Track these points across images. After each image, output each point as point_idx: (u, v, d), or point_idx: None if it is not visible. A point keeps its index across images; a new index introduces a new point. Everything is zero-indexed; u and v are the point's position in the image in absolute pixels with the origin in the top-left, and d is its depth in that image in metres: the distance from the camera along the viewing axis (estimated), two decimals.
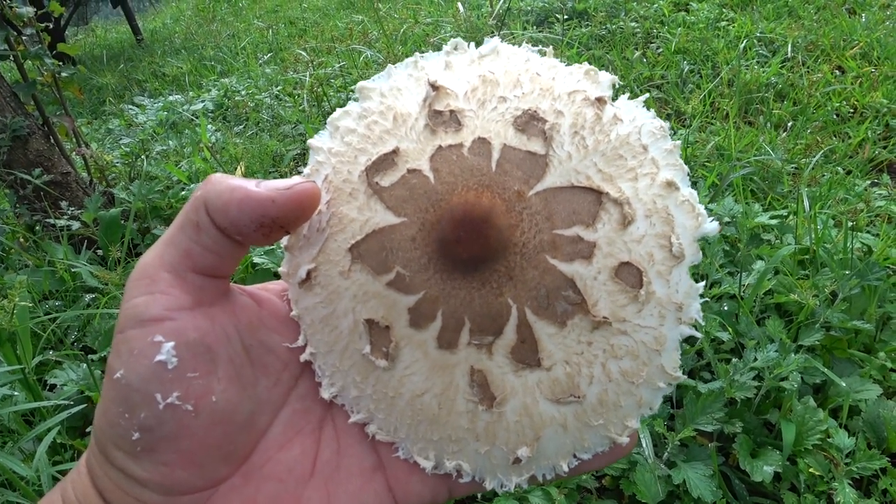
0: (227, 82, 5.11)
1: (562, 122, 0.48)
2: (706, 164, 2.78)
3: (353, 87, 4.03)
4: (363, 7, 7.01)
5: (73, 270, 2.25)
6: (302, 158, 3.26)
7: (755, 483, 1.44)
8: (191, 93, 5.09)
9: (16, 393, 1.64)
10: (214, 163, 2.94)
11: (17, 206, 2.62)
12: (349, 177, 0.50)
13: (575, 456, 0.51)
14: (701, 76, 3.77)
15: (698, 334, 0.50)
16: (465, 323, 0.47)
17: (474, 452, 0.50)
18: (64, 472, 1.49)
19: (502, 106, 0.49)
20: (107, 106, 5.54)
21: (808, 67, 3.73)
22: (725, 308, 1.82)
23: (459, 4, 4.63)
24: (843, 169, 2.77)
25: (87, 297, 2.17)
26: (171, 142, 3.73)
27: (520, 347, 0.47)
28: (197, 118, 4.02)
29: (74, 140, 2.91)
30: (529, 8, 4.98)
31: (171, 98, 4.94)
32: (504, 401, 0.48)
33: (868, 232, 2.26)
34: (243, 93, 4.69)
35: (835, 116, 3.22)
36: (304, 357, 0.54)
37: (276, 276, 2.10)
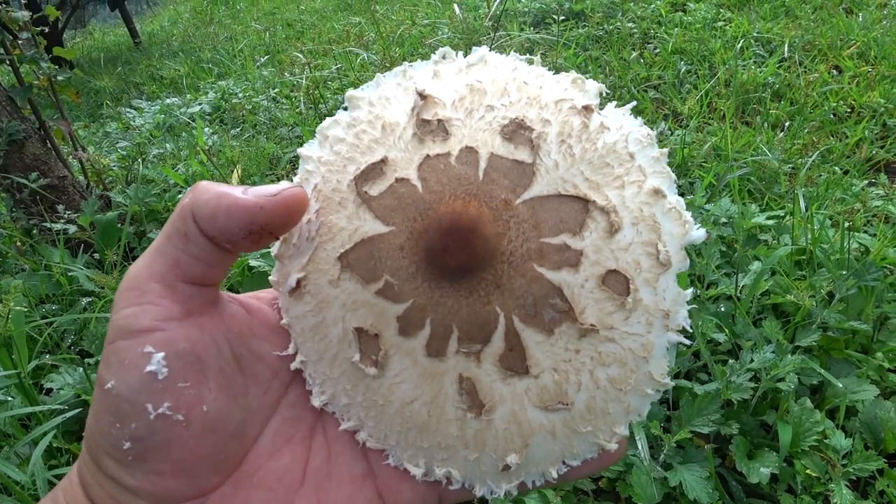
0: (224, 85, 5.10)
1: (549, 130, 0.49)
2: (703, 164, 2.78)
3: (349, 90, 4.04)
4: (360, 9, 7.01)
5: (69, 274, 2.25)
6: (299, 161, 3.26)
7: (752, 485, 1.43)
8: (188, 95, 5.09)
9: (11, 398, 1.64)
10: (211, 166, 2.94)
11: (14, 210, 2.62)
12: (338, 186, 0.50)
13: (564, 462, 0.51)
14: (698, 76, 3.77)
15: (686, 341, 0.50)
16: (454, 331, 0.47)
17: (464, 459, 0.50)
18: (60, 477, 1.48)
19: (490, 115, 0.50)
20: (104, 109, 5.54)
21: (805, 67, 3.73)
22: (722, 309, 1.82)
23: (456, 6, 4.63)
24: (841, 169, 2.77)
25: (84, 300, 2.17)
26: (167, 145, 3.73)
27: (508, 355, 0.47)
28: (194, 121, 4.02)
29: (71, 144, 2.90)
30: (526, 9, 4.98)
31: (168, 101, 4.94)
32: (493, 408, 0.48)
33: (865, 232, 2.26)
34: (240, 95, 4.68)
35: (832, 116, 3.22)
36: (294, 365, 0.54)
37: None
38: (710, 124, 3.24)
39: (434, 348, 0.48)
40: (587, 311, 0.47)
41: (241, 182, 2.90)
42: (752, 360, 1.54)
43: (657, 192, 0.49)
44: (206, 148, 3.12)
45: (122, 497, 0.46)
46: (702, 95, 3.44)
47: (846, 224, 2.05)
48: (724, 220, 2.16)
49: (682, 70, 3.81)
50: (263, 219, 0.46)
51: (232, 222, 0.46)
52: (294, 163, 3.29)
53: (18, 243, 2.58)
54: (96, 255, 2.51)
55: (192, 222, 0.46)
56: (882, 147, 2.94)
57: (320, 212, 0.50)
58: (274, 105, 4.27)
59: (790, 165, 2.76)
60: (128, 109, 5.04)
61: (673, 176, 0.51)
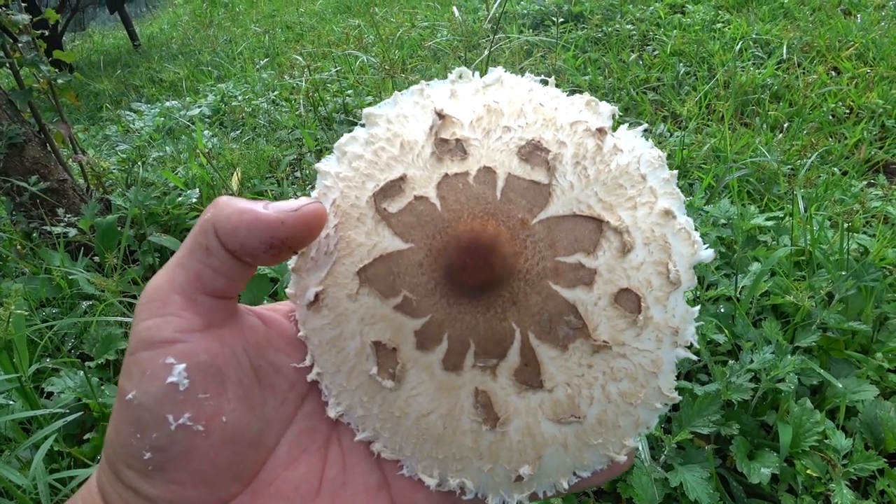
0: (223, 87, 5.11)
1: (564, 152, 0.50)
2: (702, 165, 2.79)
3: (348, 92, 4.05)
4: (359, 11, 7.03)
5: (69, 277, 2.25)
6: (298, 164, 3.26)
7: (752, 485, 1.43)
8: (188, 98, 5.09)
9: (12, 402, 1.64)
10: (210, 169, 2.94)
11: (14, 213, 2.62)
12: (357, 202, 0.51)
13: (574, 473, 0.52)
14: (697, 78, 3.78)
15: (693, 357, 0.52)
16: (471, 346, 0.48)
17: (478, 470, 0.52)
18: (61, 481, 1.49)
19: (507, 136, 0.51)
20: (104, 112, 5.54)
21: (803, 69, 3.73)
22: (722, 310, 1.82)
23: (455, 8, 4.64)
24: (839, 170, 2.78)
25: (84, 304, 2.17)
26: (167, 148, 3.73)
27: (523, 370, 0.49)
28: (193, 124, 4.02)
29: (71, 147, 2.90)
30: (525, 11, 4.99)
31: (167, 104, 4.94)
32: (507, 421, 0.49)
33: (864, 233, 2.26)
34: (240, 98, 4.69)
35: (830, 117, 3.22)
36: (310, 377, 0.55)
37: (274, 281, 2.10)
38: (708, 126, 3.25)
39: (451, 362, 0.49)
40: (600, 327, 0.48)
41: (241, 184, 2.90)
42: (752, 361, 1.54)
43: (668, 213, 0.50)
44: (206, 151, 3.12)
45: None
46: (701, 97, 3.45)
47: (845, 225, 2.05)
48: (723, 221, 2.16)
49: (681, 72, 3.82)
50: (284, 233, 0.47)
51: (253, 237, 0.47)
52: (293, 165, 3.29)
53: (19, 247, 2.58)
54: (96, 259, 2.51)
55: (213, 236, 0.47)
56: (881, 148, 2.94)
57: (339, 227, 0.52)
58: (273, 108, 4.27)
59: (789, 166, 2.76)
60: (127, 112, 5.04)
61: (682, 197, 0.52)
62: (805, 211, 2.22)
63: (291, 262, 0.55)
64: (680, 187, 2.60)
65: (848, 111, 3.28)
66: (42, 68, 2.67)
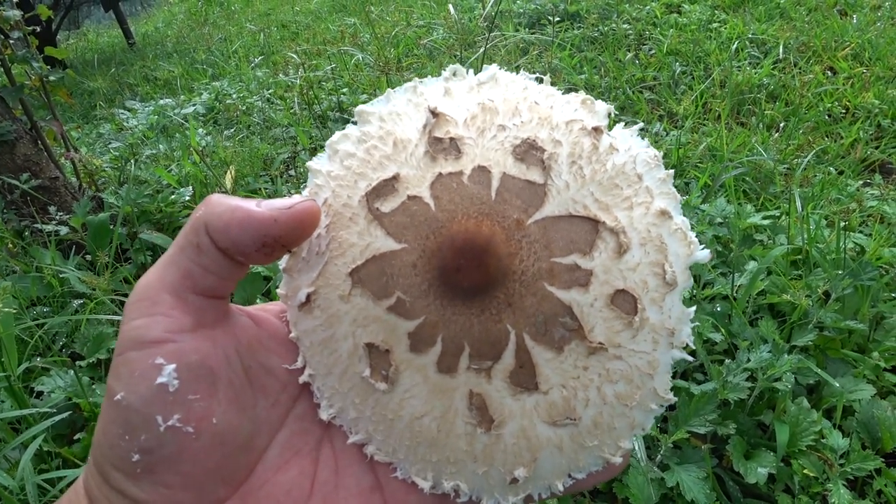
0: (218, 86, 5.09)
1: (560, 151, 0.49)
2: (698, 164, 2.78)
3: (343, 90, 4.03)
4: (355, 10, 7.01)
5: (61, 276, 2.23)
6: (292, 162, 3.25)
7: (749, 485, 1.43)
8: (182, 96, 5.07)
9: (1, 401, 1.62)
10: (204, 167, 2.92)
11: (5, 211, 2.60)
12: (349, 201, 0.51)
13: (570, 475, 0.52)
14: (693, 77, 3.77)
15: (689, 358, 0.51)
16: (465, 348, 0.48)
17: (472, 473, 0.51)
18: (50, 481, 1.47)
19: (501, 134, 0.50)
20: (97, 110, 5.51)
21: (799, 68, 3.74)
22: (718, 309, 1.82)
23: (451, 7, 4.63)
24: (836, 169, 2.77)
25: (75, 302, 2.15)
26: (161, 146, 3.71)
27: (518, 372, 0.48)
28: (187, 122, 4.00)
29: (63, 144, 2.88)
30: (521, 10, 4.98)
31: (162, 102, 4.92)
32: (502, 423, 0.49)
33: (860, 232, 2.26)
34: (234, 96, 4.67)
35: (827, 117, 3.22)
36: (302, 379, 0.54)
37: (266, 279, 2.09)
38: (705, 125, 3.25)
39: (445, 364, 0.48)
40: (596, 329, 0.48)
41: (235, 182, 2.89)
42: (748, 360, 1.53)
43: (664, 214, 0.50)
44: (200, 149, 3.10)
45: None
46: (697, 96, 3.45)
47: (842, 224, 2.05)
48: (719, 220, 2.16)
49: (678, 71, 3.81)
50: (277, 231, 0.47)
51: (245, 235, 0.46)
52: (287, 163, 3.28)
53: (10, 245, 2.56)
54: (88, 257, 2.49)
55: (205, 234, 0.47)
56: (877, 148, 2.94)
57: (330, 226, 0.51)
58: (268, 106, 4.26)
59: (785, 166, 2.76)
60: (121, 110, 5.01)
61: (678, 197, 0.52)
62: (801, 210, 2.21)
63: (283, 263, 0.53)
64: (676, 186, 2.59)
65: (844, 111, 3.28)
66: (34, 65, 2.65)
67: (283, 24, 7.52)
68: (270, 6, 8.94)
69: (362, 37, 5.37)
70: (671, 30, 4.39)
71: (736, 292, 1.88)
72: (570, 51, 4.24)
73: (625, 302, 0.48)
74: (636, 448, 1.41)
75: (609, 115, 0.54)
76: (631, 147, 0.52)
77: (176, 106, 4.73)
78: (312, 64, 4.63)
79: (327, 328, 0.52)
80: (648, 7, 4.86)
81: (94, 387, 1.74)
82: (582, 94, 0.54)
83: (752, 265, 1.92)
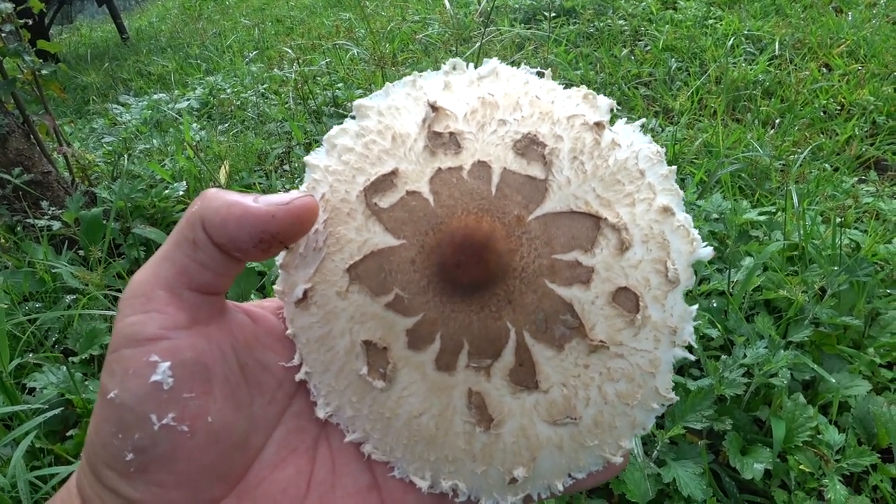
0: (212, 80, 5.06)
1: (561, 146, 0.49)
2: (694, 160, 2.78)
3: (339, 85, 4.01)
4: (350, 5, 6.99)
5: (53, 271, 2.21)
6: (287, 157, 3.23)
7: (745, 480, 1.42)
8: (176, 91, 5.05)
9: None
10: (198, 161, 2.90)
11: None
12: (347, 196, 0.50)
13: (570, 475, 0.51)
14: (689, 74, 3.77)
15: (691, 356, 0.51)
16: (464, 345, 0.47)
17: (471, 472, 0.50)
18: (42, 478, 1.45)
19: (502, 129, 0.49)
20: (91, 105, 5.48)
21: (795, 65, 3.74)
22: (714, 305, 1.81)
23: (446, 2, 4.62)
24: (831, 166, 2.78)
25: (68, 298, 2.13)
26: (154, 140, 3.68)
27: (518, 370, 0.47)
28: (181, 116, 3.98)
29: (56, 139, 2.86)
30: (517, 5, 4.97)
31: (155, 97, 4.89)
32: (501, 422, 0.48)
33: (856, 228, 2.26)
34: (229, 91, 4.64)
35: (822, 114, 3.22)
36: (299, 376, 0.54)
37: (261, 274, 2.08)
38: (700, 121, 3.24)
39: (444, 362, 0.48)
40: (597, 327, 0.47)
41: (229, 177, 2.87)
42: (744, 356, 1.53)
43: (666, 210, 0.49)
44: (194, 143, 3.08)
45: None
46: (692, 92, 3.45)
47: (837, 220, 2.05)
48: (715, 215, 2.16)
49: (673, 67, 3.81)
50: (275, 227, 0.46)
51: (242, 231, 0.45)
52: (282, 158, 3.26)
53: (2, 240, 2.54)
54: (81, 252, 2.47)
55: (201, 230, 0.46)
56: (872, 144, 2.95)
57: (328, 222, 0.50)
58: (262, 100, 4.24)
59: (781, 162, 2.76)
60: (115, 105, 4.98)
61: (681, 193, 0.51)
62: (797, 206, 2.21)
63: (279, 258, 0.53)
64: None
65: (839, 108, 3.28)
66: (26, 59, 2.63)
67: (278, 18, 7.50)
68: (265, 1, 8.90)
69: (357, 31, 5.35)
70: (667, 26, 4.39)
71: (732, 288, 1.88)
72: (565, 46, 4.24)
73: (626, 300, 0.47)
74: (633, 444, 1.41)
75: (611, 110, 0.53)
76: (633, 142, 0.51)
77: (170, 101, 4.70)
78: (307, 59, 4.61)
79: (324, 325, 0.51)
80: (644, 3, 4.86)
81: (86, 383, 1.73)
82: (584, 89, 0.54)
83: (748, 261, 1.92)
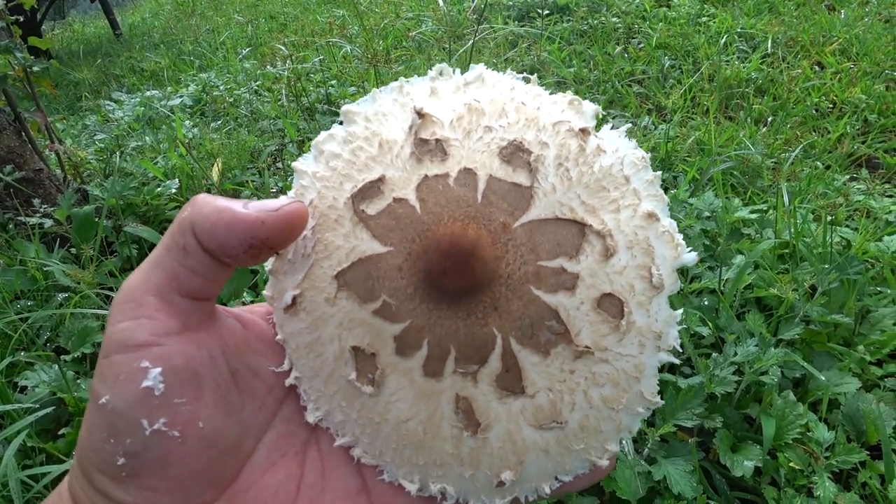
0: (205, 77, 5.04)
1: (546, 153, 0.49)
2: (687, 158, 2.79)
3: (332, 82, 4.00)
4: (344, 1, 6.97)
5: (45, 269, 2.20)
6: (280, 154, 3.23)
7: (736, 478, 1.43)
8: (169, 88, 5.02)
9: None
10: (190, 159, 2.89)
11: None
12: (334, 203, 0.50)
13: (556, 478, 0.52)
14: (682, 71, 3.78)
15: (676, 360, 0.52)
16: (451, 352, 0.48)
17: (459, 476, 0.51)
18: (34, 477, 1.45)
19: (488, 136, 0.50)
20: (83, 102, 5.45)
21: (787, 63, 3.75)
22: (705, 303, 1.82)
23: None
24: (823, 164, 2.79)
25: (60, 296, 2.13)
26: (147, 138, 3.67)
27: (504, 376, 0.48)
28: (174, 114, 3.97)
29: (47, 136, 2.85)
30: (510, 2, 4.97)
31: (148, 93, 4.87)
32: (488, 427, 0.49)
33: (847, 226, 2.27)
34: (222, 88, 4.63)
35: (814, 112, 3.24)
36: (289, 381, 0.54)
37: (253, 272, 2.07)
38: (693, 119, 3.25)
39: (431, 368, 0.48)
40: (582, 333, 0.48)
41: (222, 175, 2.86)
42: (735, 354, 1.54)
43: (651, 216, 0.50)
44: (186, 141, 3.07)
45: None
46: (685, 90, 3.45)
47: (828, 218, 2.06)
48: (707, 213, 2.16)
49: (667, 65, 3.82)
50: (264, 233, 0.46)
51: (232, 236, 0.46)
52: (275, 156, 3.25)
53: None
54: (73, 250, 2.46)
55: (191, 236, 0.46)
56: (863, 142, 2.96)
57: (316, 228, 0.50)
58: (255, 98, 4.22)
59: (773, 160, 2.77)
60: (107, 102, 4.96)
61: (666, 199, 0.52)
62: (789, 204, 2.22)
63: (269, 264, 0.53)
64: (664, 180, 2.60)
65: (831, 106, 3.29)
66: (17, 55, 2.61)
67: (272, 15, 7.47)
68: None
69: (351, 28, 5.33)
70: (660, 23, 4.39)
71: (723, 286, 1.89)
72: (559, 44, 4.24)
73: (611, 305, 0.48)
74: (623, 442, 1.42)
75: (597, 115, 0.53)
76: (618, 148, 0.52)
77: (163, 97, 4.68)
78: (300, 56, 4.60)
79: (313, 331, 0.51)
80: (638, 1, 4.86)
81: (78, 381, 1.72)
82: (569, 95, 0.54)
83: (739, 259, 1.93)
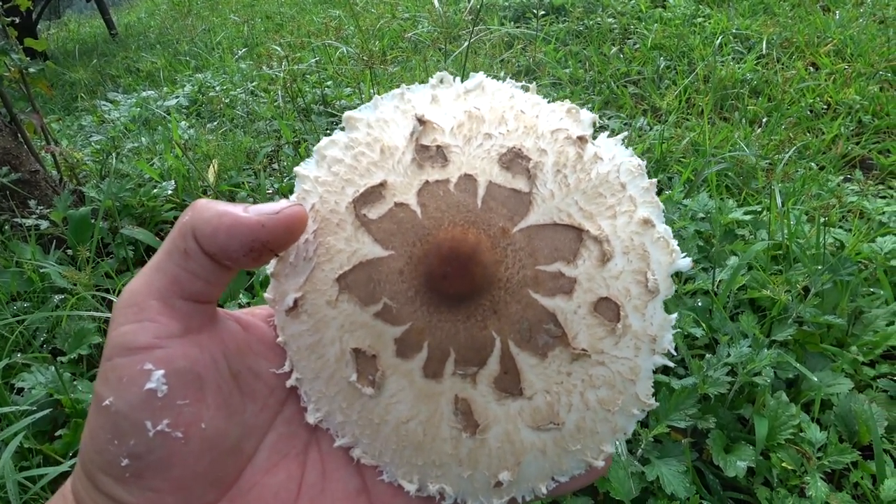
0: (201, 78, 5.03)
1: (545, 160, 0.50)
2: (681, 159, 2.80)
3: (327, 83, 4.00)
4: (340, 2, 6.96)
5: (41, 271, 2.20)
6: (276, 155, 3.23)
7: (729, 478, 1.44)
8: (165, 88, 5.02)
9: None
10: (186, 160, 2.89)
11: None
12: (336, 207, 0.51)
13: (553, 479, 0.53)
14: (677, 72, 3.79)
15: (671, 364, 0.53)
16: (451, 354, 0.49)
17: (457, 476, 0.52)
18: (31, 479, 1.46)
19: (488, 143, 0.51)
20: (79, 102, 5.44)
21: (782, 64, 3.76)
22: (699, 304, 1.83)
23: (435, 0, 4.61)
24: (817, 165, 2.80)
25: (56, 297, 2.13)
26: (143, 138, 3.66)
27: (503, 378, 0.49)
28: (170, 114, 3.96)
29: (43, 137, 2.85)
30: (506, 3, 4.97)
31: (144, 94, 4.86)
32: (487, 428, 0.50)
33: (840, 227, 2.29)
34: (218, 88, 4.62)
35: (808, 112, 3.25)
36: (290, 382, 0.55)
37: (249, 273, 2.08)
38: (688, 120, 3.26)
39: (431, 370, 0.49)
40: (579, 336, 0.49)
41: (218, 176, 2.86)
42: (728, 355, 1.55)
43: (647, 222, 0.51)
44: (182, 142, 3.07)
45: None
46: (680, 91, 3.46)
47: (822, 219, 2.07)
48: (701, 215, 2.17)
49: (662, 66, 3.83)
50: (265, 236, 0.47)
51: (233, 240, 0.46)
52: (271, 158, 3.26)
53: None
54: (69, 252, 2.46)
55: (192, 240, 0.47)
56: (857, 143, 2.97)
57: (318, 232, 0.51)
58: (252, 98, 4.22)
59: (767, 161, 2.78)
60: (103, 102, 4.95)
61: (661, 205, 0.53)
62: (782, 205, 2.23)
63: (270, 267, 0.54)
64: (659, 181, 2.60)
65: (826, 107, 3.31)
66: (13, 56, 2.61)
67: (268, 15, 7.46)
68: None
69: (347, 29, 5.33)
70: (656, 24, 4.41)
71: (717, 287, 1.90)
72: (554, 45, 4.24)
73: (608, 309, 0.49)
74: (617, 443, 1.42)
75: (594, 124, 0.54)
76: (615, 156, 0.53)
77: (158, 98, 4.67)
78: (296, 57, 4.60)
79: (314, 333, 0.52)
80: (633, 1, 4.87)
81: (75, 383, 1.72)
82: (567, 103, 0.55)
83: (733, 260, 1.94)
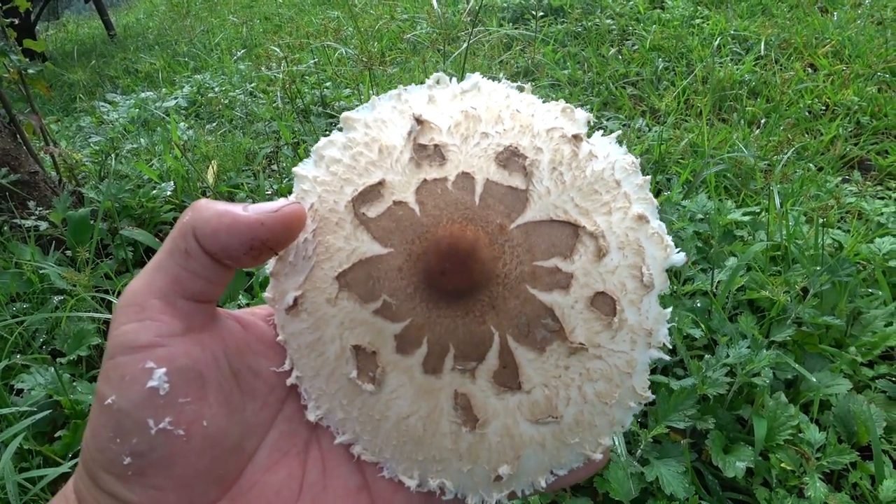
0: (200, 79, 5.04)
1: (541, 158, 0.51)
2: (680, 160, 2.80)
3: (326, 84, 4.01)
4: (338, 3, 6.97)
5: (40, 272, 2.20)
6: (275, 156, 3.23)
7: (728, 479, 1.44)
8: (163, 89, 5.02)
9: None
10: (185, 161, 2.90)
11: None
12: (335, 206, 0.52)
13: (552, 472, 0.53)
14: (675, 73, 3.79)
15: (666, 357, 0.53)
16: (450, 349, 0.49)
17: (457, 471, 0.52)
18: (31, 480, 1.46)
19: (484, 142, 0.52)
20: (78, 103, 5.44)
21: (780, 65, 3.77)
22: (698, 305, 1.83)
23: (434, 1, 4.62)
24: (815, 165, 2.80)
25: (56, 299, 2.13)
26: (142, 140, 3.66)
27: (501, 372, 0.49)
28: (169, 115, 3.96)
29: (42, 138, 2.85)
30: (505, 4, 4.98)
31: (143, 95, 4.86)
32: (486, 422, 0.50)
33: (839, 228, 2.29)
34: (217, 89, 4.62)
35: (807, 114, 3.25)
36: (290, 380, 0.55)
37: (248, 275, 2.08)
38: (686, 121, 3.27)
39: (431, 365, 0.49)
40: (577, 330, 0.49)
41: (217, 177, 2.86)
42: (727, 356, 1.55)
43: (641, 218, 0.52)
44: (181, 143, 3.07)
45: None
46: (679, 92, 3.47)
47: (820, 220, 2.07)
48: (700, 216, 2.18)
49: (660, 67, 3.83)
50: (264, 234, 0.48)
51: (233, 239, 0.47)
52: (270, 159, 3.26)
53: None
54: (68, 253, 2.46)
55: (193, 239, 0.47)
56: (856, 144, 2.98)
57: (317, 231, 0.52)
58: (250, 99, 4.22)
59: (766, 162, 2.79)
60: (102, 103, 4.95)
61: (655, 202, 0.54)
62: (781, 206, 2.24)
63: (270, 267, 0.54)
64: (658, 182, 2.61)
65: (824, 108, 3.31)
66: (12, 58, 2.61)
67: (266, 16, 7.47)
68: None
69: (346, 30, 5.34)
70: (654, 25, 4.41)
71: (716, 288, 1.90)
72: (553, 46, 4.25)
73: (604, 304, 0.50)
74: (616, 443, 1.43)
75: (588, 123, 0.55)
76: (609, 154, 0.54)
77: (157, 99, 4.68)
78: (295, 58, 4.60)
79: (314, 331, 0.52)
80: (632, 2, 4.88)
81: (75, 384, 1.73)
82: (562, 103, 0.56)
83: (731, 261, 1.94)
